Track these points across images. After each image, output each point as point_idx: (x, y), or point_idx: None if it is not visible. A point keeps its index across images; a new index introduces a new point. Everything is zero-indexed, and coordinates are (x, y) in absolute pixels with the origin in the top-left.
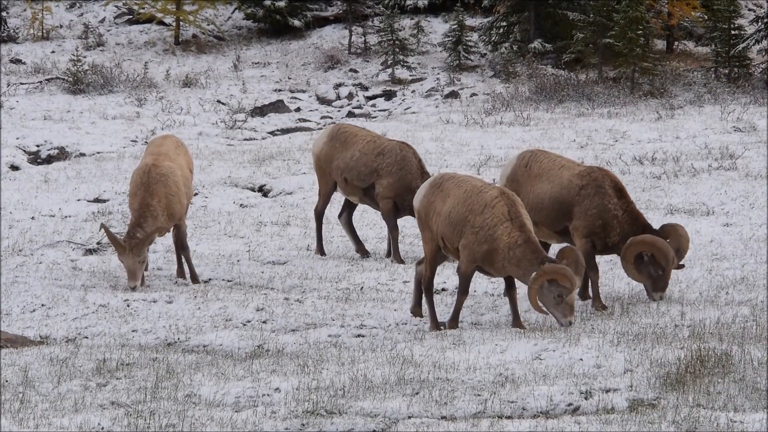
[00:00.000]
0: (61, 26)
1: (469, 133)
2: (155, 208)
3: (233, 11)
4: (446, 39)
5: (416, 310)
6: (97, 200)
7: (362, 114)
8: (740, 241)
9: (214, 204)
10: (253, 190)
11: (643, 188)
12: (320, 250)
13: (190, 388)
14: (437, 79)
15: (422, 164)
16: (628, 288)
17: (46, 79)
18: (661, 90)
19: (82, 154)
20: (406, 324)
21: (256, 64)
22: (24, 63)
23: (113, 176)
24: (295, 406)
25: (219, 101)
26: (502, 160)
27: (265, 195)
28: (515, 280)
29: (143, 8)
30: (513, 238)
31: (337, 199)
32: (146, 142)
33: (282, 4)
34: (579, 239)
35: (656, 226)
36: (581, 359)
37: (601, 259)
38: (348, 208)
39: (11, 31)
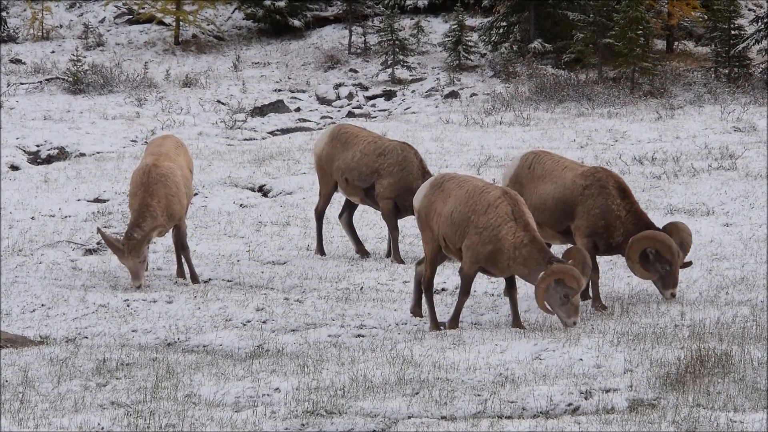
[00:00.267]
0: (61, 26)
1: (469, 133)
2: (155, 208)
3: (233, 11)
4: (446, 39)
5: (416, 310)
6: (97, 200)
7: (362, 114)
8: (740, 241)
9: (214, 204)
10: (253, 190)
11: (643, 188)
12: (320, 250)
13: (190, 388)
14: (437, 79)
15: (424, 165)
16: (628, 288)
17: (46, 79)
18: (661, 90)
19: (82, 154)
20: (406, 324)
21: (256, 64)
22: (24, 63)
23: (113, 176)
24: (295, 406)
25: (219, 101)
26: (502, 160)
27: (265, 195)
28: (516, 279)
29: (143, 8)
30: (518, 237)
31: (338, 199)
32: (146, 142)
33: (282, 4)
34: (580, 239)
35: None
36: (581, 359)
37: (601, 260)
38: (348, 209)
39: (11, 31)
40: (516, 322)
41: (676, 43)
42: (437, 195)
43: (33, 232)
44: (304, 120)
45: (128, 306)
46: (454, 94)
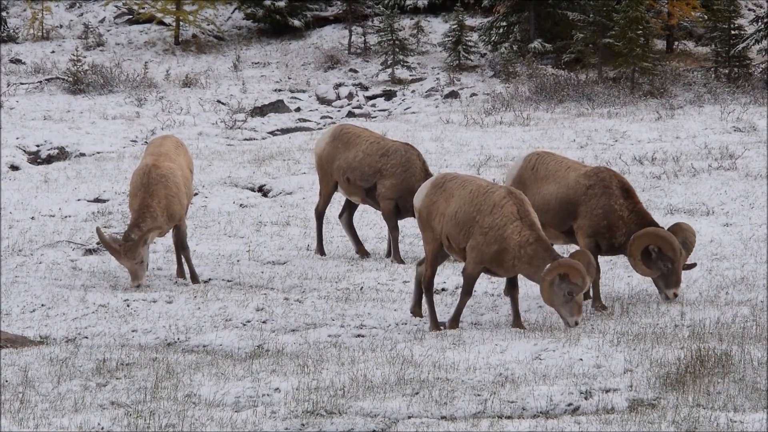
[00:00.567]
0: (61, 26)
1: (469, 133)
2: (155, 208)
3: (233, 11)
4: (446, 39)
5: (416, 310)
6: (97, 200)
7: (362, 114)
8: (740, 241)
9: (214, 204)
10: (253, 190)
11: (643, 188)
12: (320, 250)
13: (190, 388)
14: (437, 79)
15: (426, 167)
16: (628, 288)
17: (46, 79)
18: (661, 90)
19: (82, 154)
20: (406, 324)
21: (256, 64)
22: (24, 63)
23: (113, 176)
24: (295, 406)
25: (219, 101)
26: (502, 160)
27: (265, 195)
28: (518, 279)
29: (143, 8)
30: (524, 237)
31: (338, 199)
32: (146, 142)
33: (282, 4)
34: (582, 238)
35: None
36: (581, 359)
37: (601, 259)
38: (348, 209)
39: (11, 31)
40: (516, 322)
41: (676, 43)
42: (439, 195)
43: (33, 232)
44: (304, 120)
45: (128, 306)
46: (454, 94)
